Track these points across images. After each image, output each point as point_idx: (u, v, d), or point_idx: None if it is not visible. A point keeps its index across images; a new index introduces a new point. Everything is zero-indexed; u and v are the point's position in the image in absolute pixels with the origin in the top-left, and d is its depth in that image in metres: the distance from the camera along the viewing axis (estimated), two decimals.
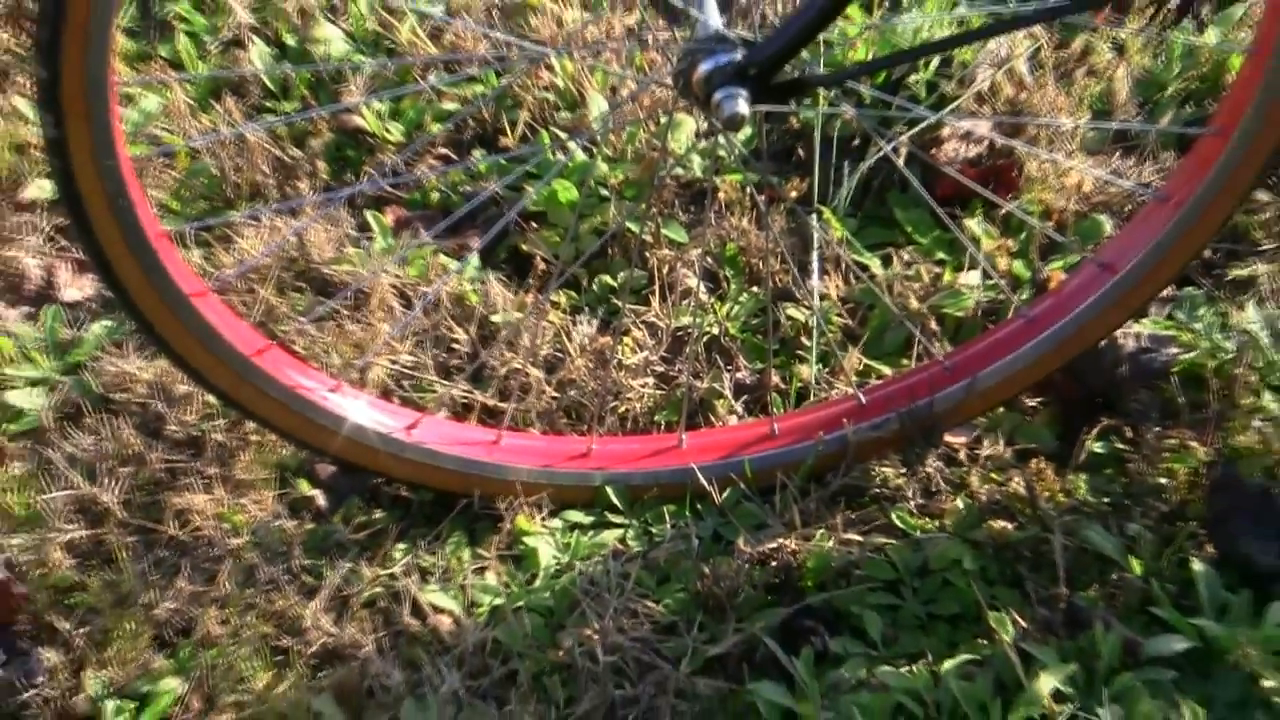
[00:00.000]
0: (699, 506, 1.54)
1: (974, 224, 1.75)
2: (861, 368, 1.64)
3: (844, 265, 1.72)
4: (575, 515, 1.55)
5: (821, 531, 1.49)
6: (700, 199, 1.81)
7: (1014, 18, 1.86)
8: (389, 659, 1.43)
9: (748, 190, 1.80)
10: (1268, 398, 1.54)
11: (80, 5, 1.14)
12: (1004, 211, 1.74)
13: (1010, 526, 1.48)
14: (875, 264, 1.72)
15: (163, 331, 1.35)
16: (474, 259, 1.77)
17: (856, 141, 1.81)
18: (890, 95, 1.83)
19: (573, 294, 1.75)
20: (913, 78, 1.88)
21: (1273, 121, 1.34)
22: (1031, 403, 1.59)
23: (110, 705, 1.41)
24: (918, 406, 1.52)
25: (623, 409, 1.63)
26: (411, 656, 1.43)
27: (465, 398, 1.65)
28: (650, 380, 1.65)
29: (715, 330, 1.69)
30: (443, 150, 1.92)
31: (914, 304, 1.67)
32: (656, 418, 1.63)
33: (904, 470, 1.54)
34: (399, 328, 1.70)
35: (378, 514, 1.56)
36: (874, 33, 1.91)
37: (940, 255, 1.73)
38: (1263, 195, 1.72)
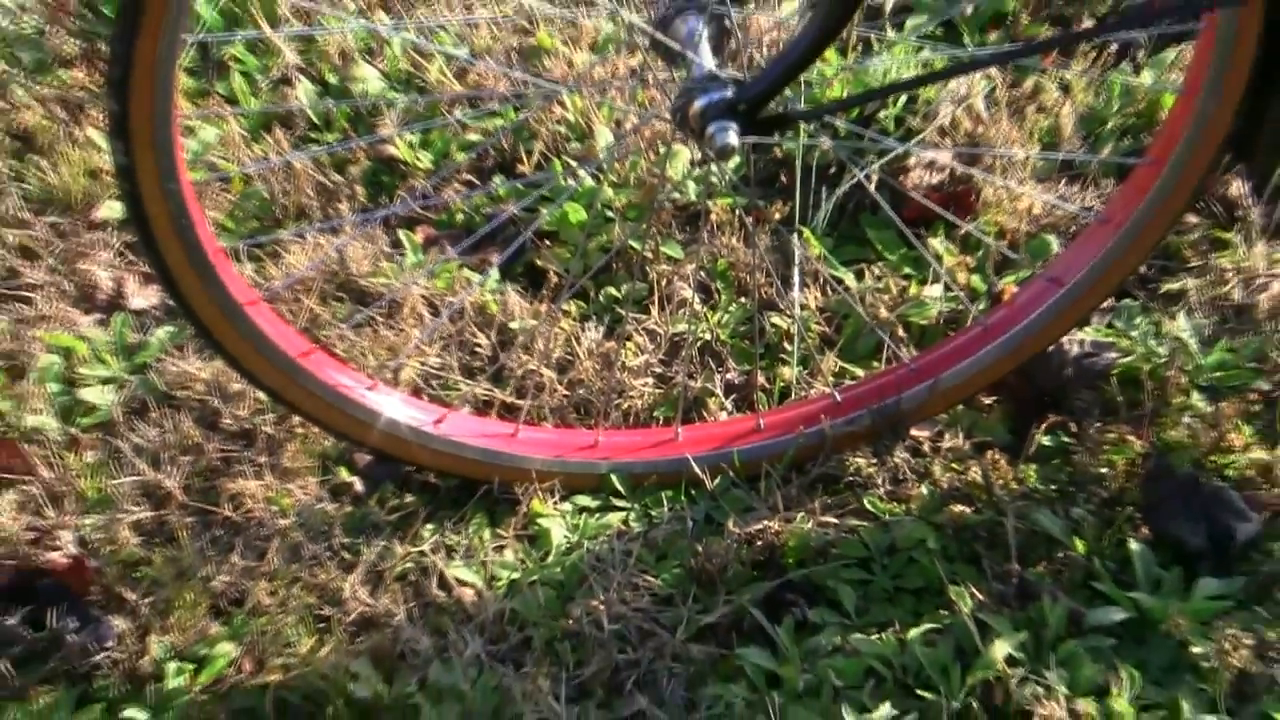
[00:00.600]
0: (693, 492, 1.54)
1: (937, 242, 1.74)
2: (837, 370, 1.64)
3: (822, 279, 1.71)
4: (583, 500, 1.55)
5: (801, 515, 1.49)
6: (695, 220, 1.81)
7: (972, 60, 1.85)
8: (418, 626, 1.43)
9: (737, 212, 1.79)
10: (1196, 397, 1.54)
11: (148, 49, 1.14)
12: (963, 231, 1.74)
13: (968, 510, 1.48)
14: (849, 278, 1.72)
15: (219, 336, 1.35)
16: (494, 272, 1.76)
17: (833, 169, 1.80)
18: (863, 129, 1.83)
19: (581, 304, 1.74)
20: (882, 113, 1.88)
21: (1201, 153, 1.34)
22: (987, 401, 1.59)
23: (172, 667, 1.42)
24: (887, 404, 1.52)
25: (625, 405, 1.63)
26: (438, 624, 1.43)
27: (486, 395, 1.64)
28: (650, 380, 1.65)
29: (708, 336, 1.68)
30: (467, 176, 1.91)
31: (883, 313, 1.67)
32: (655, 413, 1.63)
33: (874, 460, 1.54)
34: (428, 333, 1.70)
35: (409, 498, 1.56)
36: (848, 74, 1.90)
37: (907, 270, 1.73)
38: (1192, 218, 1.72)
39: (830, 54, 1.89)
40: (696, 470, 1.52)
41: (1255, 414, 1.53)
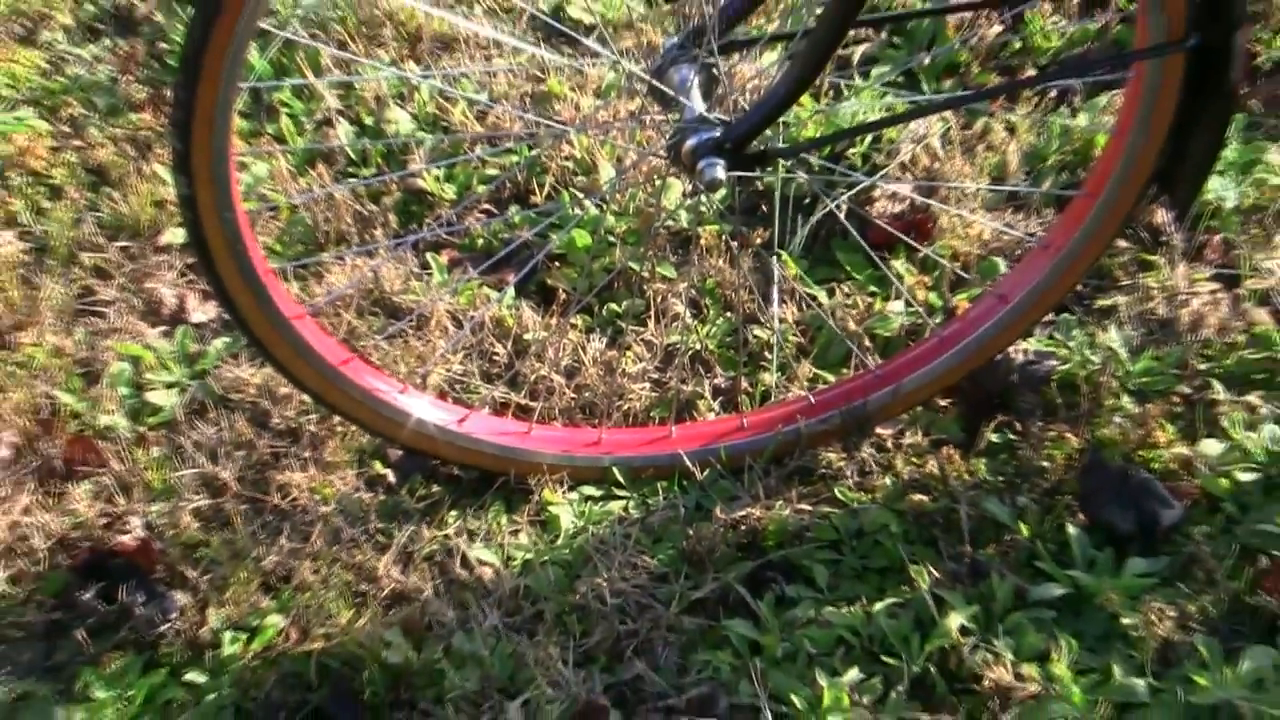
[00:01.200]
0: (685, 483, 1.54)
1: (899, 264, 1.75)
2: (811, 375, 1.64)
3: (798, 296, 1.72)
4: (589, 490, 1.55)
5: (780, 503, 1.49)
6: (686, 244, 1.81)
7: (929, 105, 1.87)
8: (444, 601, 1.43)
9: (723, 237, 1.80)
10: (1125, 400, 1.54)
11: (207, 95, 1.15)
12: (922, 254, 1.74)
13: (926, 499, 1.48)
14: (822, 295, 1.72)
15: (269, 346, 1.36)
16: (510, 290, 1.76)
17: (807, 200, 1.80)
18: (833, 164, 1.83)
19: (587, 317, 1.74)
20: (851, 151, 1.88)
21: (1130, 187, 1.34)
22: (943, 403, 1.59)
23: (228, 635, 1.42)
24: (854, 406, 1.52)
25: (625, 407, 1.63)
26: (461, 599, 1.44)
27: (503, 398, 1.64)
28: (647, 385, 1.65)
29: (698, 346, 1.68)
30: (486, 206, 1.91)
31: (852, 326, 1.67)
32: (652, 414, 1.63)
33: (844, 455, 1.54)
34: (452, 343, 1.70)
35: (435, 488, 1.56)
36: (821, 116, 1.91)
37: (872, 288, 1.73)
38: (1122, 243, 1.72)
39: (805, 99, 1.90)
40: (688, 464, 1.52)
41: (1178, 414, 1.53)
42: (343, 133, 2.01)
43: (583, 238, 1.81)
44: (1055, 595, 1.36)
